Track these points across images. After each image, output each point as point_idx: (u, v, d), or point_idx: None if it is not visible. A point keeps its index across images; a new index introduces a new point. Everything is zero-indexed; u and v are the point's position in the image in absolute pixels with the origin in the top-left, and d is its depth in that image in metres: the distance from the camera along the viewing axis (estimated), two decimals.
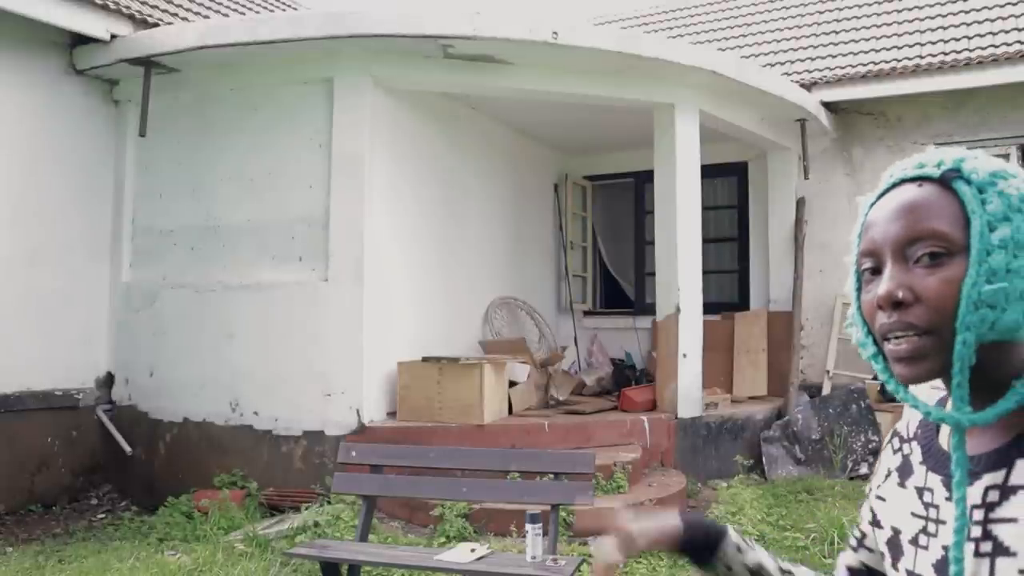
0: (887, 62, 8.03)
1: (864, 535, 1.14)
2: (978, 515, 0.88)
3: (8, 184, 6.10)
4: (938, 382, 0.93)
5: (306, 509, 5.45)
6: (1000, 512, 0.87)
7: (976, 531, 0.88)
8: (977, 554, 0.87)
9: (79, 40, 6.29)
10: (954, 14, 8.51)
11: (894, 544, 1.01)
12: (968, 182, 0.89)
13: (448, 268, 7.22)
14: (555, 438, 6.05)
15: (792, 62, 8.82)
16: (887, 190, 0.95)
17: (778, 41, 9.47)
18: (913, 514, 0.98)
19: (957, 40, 7.99)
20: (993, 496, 0.88)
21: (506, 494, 4.55)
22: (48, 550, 5.15)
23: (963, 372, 0.87)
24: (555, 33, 5.67)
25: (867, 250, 0.94)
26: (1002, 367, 0.89)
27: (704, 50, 7.01)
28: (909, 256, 0.89)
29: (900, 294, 0.88)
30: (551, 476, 4.29)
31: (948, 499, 0.93)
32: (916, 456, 1.01)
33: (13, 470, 5.98)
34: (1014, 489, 0.87)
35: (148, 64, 6.18)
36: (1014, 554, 0.84)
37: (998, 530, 0.86)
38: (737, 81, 6.68)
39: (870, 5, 9.32)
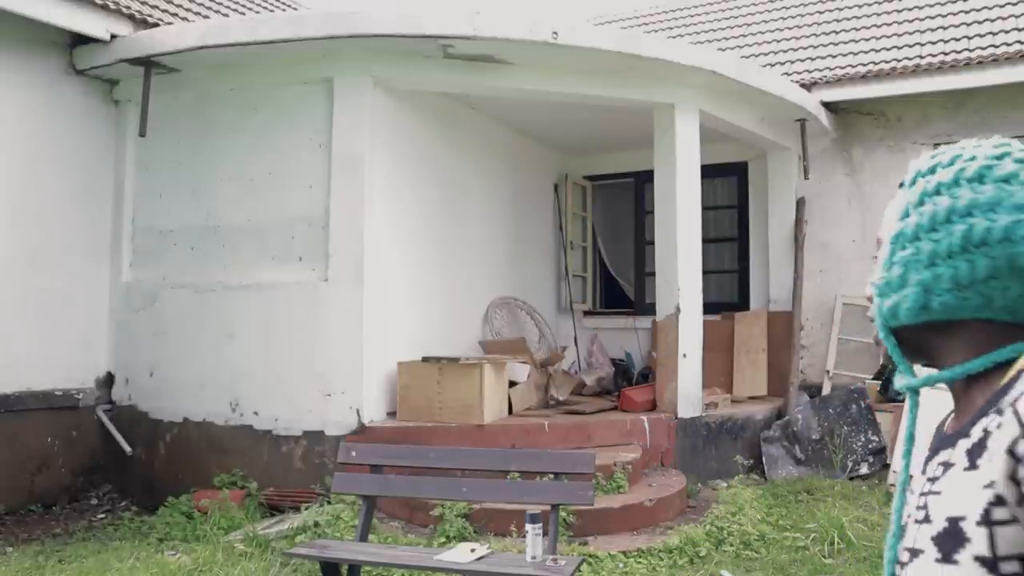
0: (887, 62, 8.03)
1: None
2: (927, 487, 0.95)
3: (8, 184, 6.10)
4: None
5: (306, 509, 5.45)
6: (935, 486, 0.93)
7: (921, 501, 0.95)
8: (916, 521, 0.95)
9: (79, 40, 6.29)
10: (954, 14, 8.51)
11: None
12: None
13: (448, 268, 7.22)
14: (555, 438, 6.05)
15: (792, 62, 8.81)
16: None
17: (778, 41, 9.46)
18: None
19: (957, 40, 7.98)
20: (939, 472, 0.94)
21: (506, 494, 4.55)
22: (48, 550, 5.15)
23: (893, 351, 1.00)
24: (555, 33, 5.67)
25: None
26: (948, 349, 0.97)
27: (704, 50, 7.01)
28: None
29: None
30: (551, 476, 4.29)
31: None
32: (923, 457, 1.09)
33: (13, 470, 5.98)
34: (950, 465, 0.92)
35: (148, 64, 6.18)
36: (931, 522, 0.91)
37: (930, 501, 0.93)
38: (737, 81, 6.67)
39: (870, 5, 9.32)
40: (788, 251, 8.40)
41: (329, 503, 5.50)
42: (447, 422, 5.97)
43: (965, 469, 0.88)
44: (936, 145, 8.01)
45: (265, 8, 9.63)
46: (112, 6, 6.16)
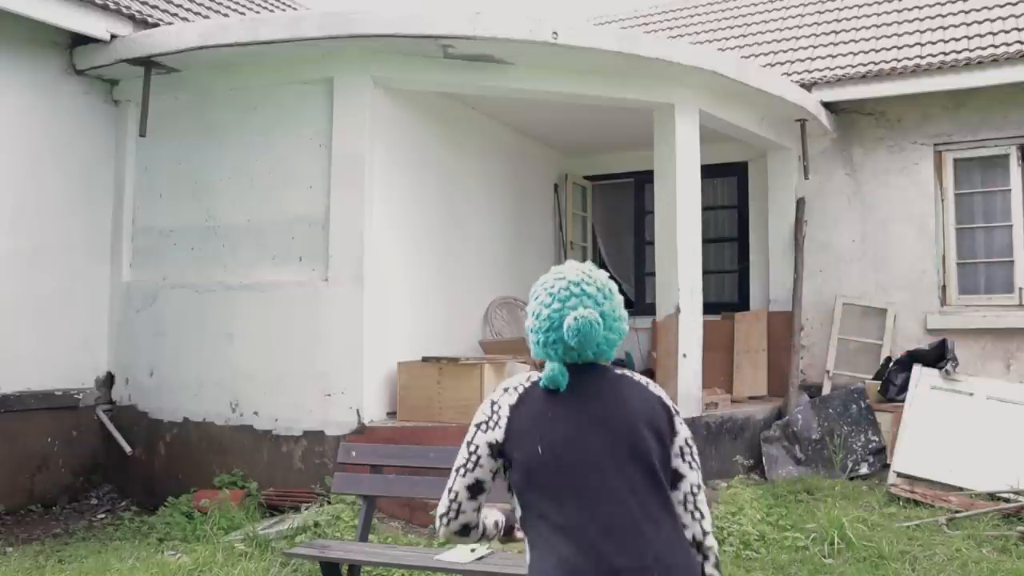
0: (887, 62, 8.03)
1: None
2: None
3: (8, 184, 6.10)
4: None
5: (306, 509, 5.44)
6: None
7: None
8: None
9: (79, 40, 6.29)
10: (954, 14, 8.51)
11: None
12: None
13: (448, 268, 7.22)
14: None
15: (792, 62, 8.81)
16: None
17: (778, 41, 9.47)
18: None
19: (957, 40, 7.98)
20: None
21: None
22: (48, 550, 5.15)
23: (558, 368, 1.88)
24: (555, 33, 5.67)
25: None
26: None
27: (704, 50, 7.01)
28: None
29: None
30: None
31: None
32: None
33: (13, 470, 5.98)
34: None
35: (148, 64, 6.18)
36: None
37: None
38: (737, 81, 6.68)
39: (870, 5, 9.32)
40: (788, 251, 8.40)
41: (329, 503, 5.50)
42: (447, 422, 5.97)
43: None
44: (936, 145, 8.02)
45: (265, 8, 9.63)
46: (112, 6, 6.16)
